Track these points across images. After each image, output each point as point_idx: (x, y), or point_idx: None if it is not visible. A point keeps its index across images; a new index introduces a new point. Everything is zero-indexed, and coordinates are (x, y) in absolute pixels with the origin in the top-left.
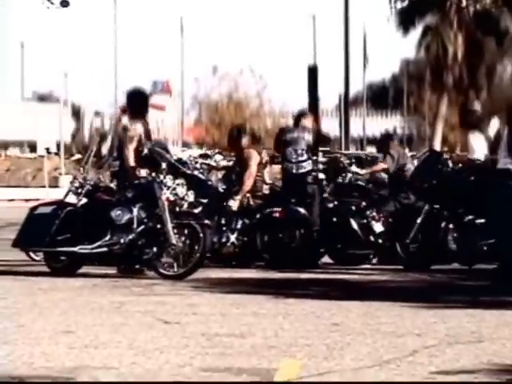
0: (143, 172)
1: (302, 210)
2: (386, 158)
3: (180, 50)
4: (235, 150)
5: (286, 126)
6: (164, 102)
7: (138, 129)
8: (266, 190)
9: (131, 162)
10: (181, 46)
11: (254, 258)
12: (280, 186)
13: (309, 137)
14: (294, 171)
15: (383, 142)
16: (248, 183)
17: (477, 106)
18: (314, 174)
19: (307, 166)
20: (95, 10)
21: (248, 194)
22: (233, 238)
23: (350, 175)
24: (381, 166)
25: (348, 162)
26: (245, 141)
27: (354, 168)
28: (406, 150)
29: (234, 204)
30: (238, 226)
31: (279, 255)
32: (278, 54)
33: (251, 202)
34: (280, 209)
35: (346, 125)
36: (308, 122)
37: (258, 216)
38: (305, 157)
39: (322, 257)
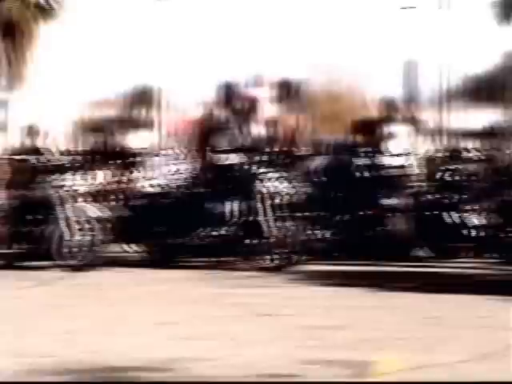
0: None
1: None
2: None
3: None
4: None
5: (383, 118)
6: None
7: None
8: None
9: None
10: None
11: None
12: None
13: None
14: (393, 164)
15: (488, 136)
16: None
17: None
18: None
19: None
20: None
21: None
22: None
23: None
24: None
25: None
26: None
27: None
28: None
29: None
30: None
31: (376, 249)
32: (374, 47)
33: None
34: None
35: (443, 119)
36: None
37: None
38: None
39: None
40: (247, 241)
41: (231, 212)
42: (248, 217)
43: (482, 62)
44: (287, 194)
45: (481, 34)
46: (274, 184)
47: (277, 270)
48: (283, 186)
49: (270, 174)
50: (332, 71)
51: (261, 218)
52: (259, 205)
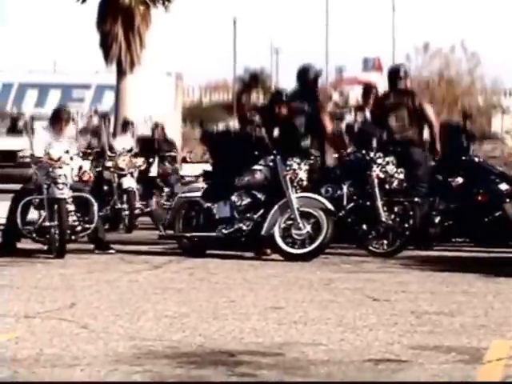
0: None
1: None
2: None
3: (391, 26)
4: None
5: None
6: (375, 79)
7: None
8: None
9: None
10: (392, 23)
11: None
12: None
13: None
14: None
15: None
16: None
17: None
18: None
19: None
20: None
21: None
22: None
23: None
24: None
25: None
26: None
27: None
28: None
29: None
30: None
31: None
32: (493, 29)
33: None
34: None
35: None
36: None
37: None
38: None
39: None
40: (361, 226)
41: (347, 196)
42: (361, 201)
43: None
44: (399, 179)
45: None
46: (387, 169)
47: (390, 255)
48: (395, 171)
49: (380, 160)
50: (447, 55)
51: (374, 202)
52: (372, 189)
